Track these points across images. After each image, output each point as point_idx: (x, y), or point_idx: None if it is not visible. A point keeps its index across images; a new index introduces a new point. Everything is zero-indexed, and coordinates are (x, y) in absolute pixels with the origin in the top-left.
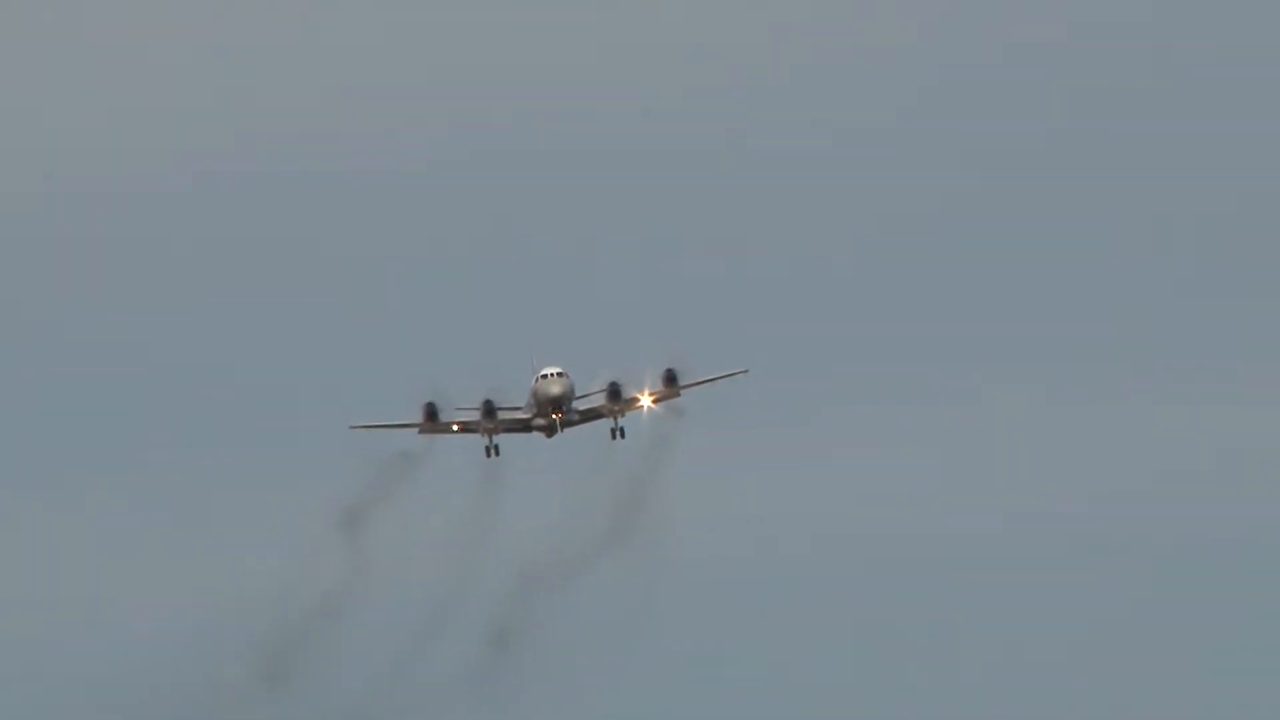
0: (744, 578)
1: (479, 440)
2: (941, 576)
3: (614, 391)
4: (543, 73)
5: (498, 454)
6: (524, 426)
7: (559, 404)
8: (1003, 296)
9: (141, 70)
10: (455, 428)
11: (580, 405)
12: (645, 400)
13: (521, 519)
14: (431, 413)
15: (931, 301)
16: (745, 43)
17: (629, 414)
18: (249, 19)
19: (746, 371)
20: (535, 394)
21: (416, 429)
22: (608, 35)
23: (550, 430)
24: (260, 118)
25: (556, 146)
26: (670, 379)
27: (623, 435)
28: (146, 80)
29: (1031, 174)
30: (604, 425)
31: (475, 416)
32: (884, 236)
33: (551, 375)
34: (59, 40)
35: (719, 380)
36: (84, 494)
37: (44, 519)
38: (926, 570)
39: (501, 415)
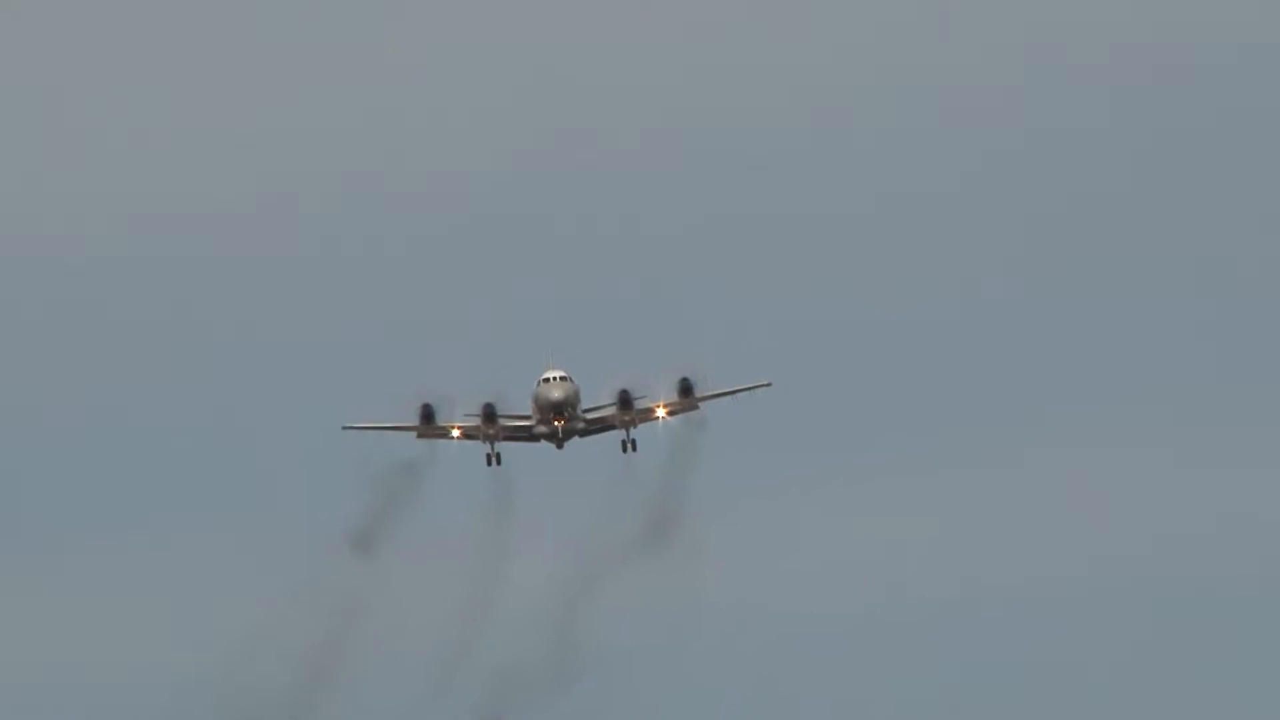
0: (764, 610)
1: (480, 447)
2: (988, 625)
3: (624, 400)
4: (589, 75)
5: (499, 463)
6: (528, 434)
7: (561, 409)
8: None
9: None
10: (456, 433)
11: (592, 414)
12: (660, 411)
13: (521, 538)
14: (428, 415)
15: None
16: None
17: (643, 425)
18: None
19: (770, 384)
20: (536, 399)
21: (414, 432)
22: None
23: (558, 440)
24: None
25: (573, 148)
26: (686, 389)
27: (634, 448)
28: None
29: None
30: (615, 437)
31: (476, 421)
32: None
33: (553, 379)
34: None
35: (740, 392)
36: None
37: (29, 556)
38: (965, 618)
39: (503, 421)
